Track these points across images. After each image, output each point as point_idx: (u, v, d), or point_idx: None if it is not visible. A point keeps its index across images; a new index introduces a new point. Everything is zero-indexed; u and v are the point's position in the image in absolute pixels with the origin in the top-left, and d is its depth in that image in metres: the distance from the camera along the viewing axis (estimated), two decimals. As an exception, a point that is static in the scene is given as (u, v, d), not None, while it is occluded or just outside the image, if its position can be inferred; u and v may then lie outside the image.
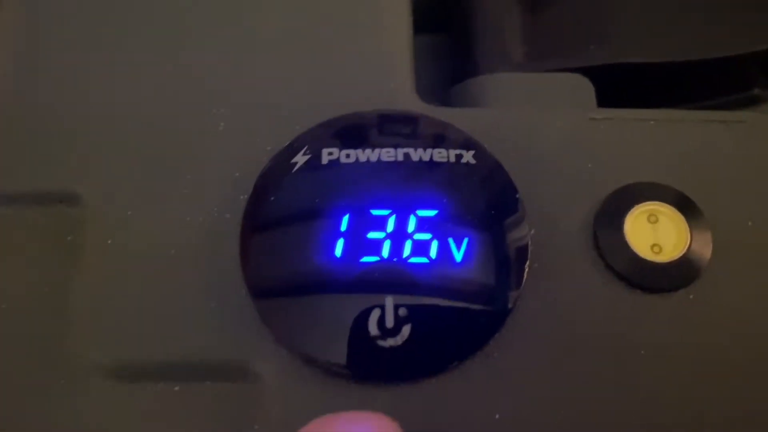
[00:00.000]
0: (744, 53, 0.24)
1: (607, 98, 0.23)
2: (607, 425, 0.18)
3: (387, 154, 0.20)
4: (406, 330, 0.18)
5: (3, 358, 0.19)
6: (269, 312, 0.19)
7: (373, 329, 0.18)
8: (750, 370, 0.19)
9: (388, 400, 0.18)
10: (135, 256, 0.20)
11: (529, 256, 0.19)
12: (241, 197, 0.20)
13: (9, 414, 0.19)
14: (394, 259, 0.19)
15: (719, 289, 0.19)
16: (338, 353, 0.18)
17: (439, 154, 0.20)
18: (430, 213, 0.19)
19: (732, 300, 0.19)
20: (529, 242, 0.19)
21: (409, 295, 0.18)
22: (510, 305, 0.19)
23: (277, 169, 0.20)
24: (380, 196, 0.19)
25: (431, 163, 0.20)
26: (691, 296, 0.19)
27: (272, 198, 0.20)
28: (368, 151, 0.20)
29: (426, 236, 0.19)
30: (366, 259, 0.19)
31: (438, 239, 0.19)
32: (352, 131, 0.21)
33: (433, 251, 0.19)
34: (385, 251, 0.19)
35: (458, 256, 0.19)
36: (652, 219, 0.20)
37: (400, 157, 0.20)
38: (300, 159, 0.20)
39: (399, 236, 0.19)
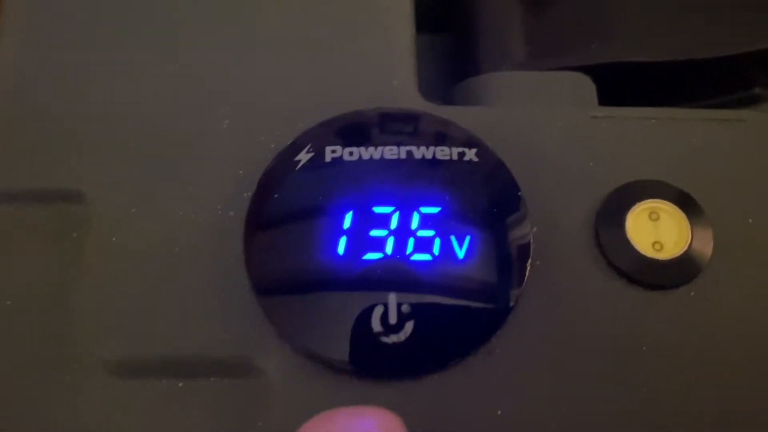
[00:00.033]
0: (745, 52, 0.24)
1: (608, 97, 0.23)
2: (608, 421, 0.18)
3: (390, 152, 0.20)
4: (409, 326, 0.18)
5: (7, 355, 0.19)
6: (273, 308, 0.19)
7: (376, 325, 0.18)
8: (751, 367, 0.19)
9: (391, 396, 0.18)
10: (139, 254, 0.20)
11: (531, 253, 0.19)
12: (245, 195, 0.20)
13: (13, 411, 0.19)
14: (397, 256, 0.19)
15: (720, 286, 0.20)
16: (341, 349, 0.18)
17: (442, 152, 0.20)
18: (433, 210, 0.19)
19: (733, 297, 0.20)
20: (531, 240, 0.20)
21: (412, 292, 0.19)
22: (512, 302, 0.19)
23: (281, 167, 0.20)
24: (383, 194, 0.20)
25: (434, 161, 0.20)
26: (692, 293, 0.19)
27: (276, 196, 0.20)
28: (371, 148, 0.20)
29: (429, 233, 0.19)
30: (369, 256, 0.19)
31: (441, 236, 0.19)
32: (355, 129, 0.21)
33: (436, 248, 0.19)
34: (388, 248, 0.19)
35: (461, 253, 0.19)
36: (654, 216, 0.20)
37: (403, 155, 0.20)
38: (303, 157, 0.20)
39: (402, 233, 0.19)
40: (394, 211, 0.19)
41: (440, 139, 0.21)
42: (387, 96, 0.22)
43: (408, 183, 0.20)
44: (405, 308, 0.18)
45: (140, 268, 0.20)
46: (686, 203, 0.20)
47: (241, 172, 0.21)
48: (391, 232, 0.19)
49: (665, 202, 0.20)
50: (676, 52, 0.24)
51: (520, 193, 0.20)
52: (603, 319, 0.19)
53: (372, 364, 0.18)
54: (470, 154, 0.20)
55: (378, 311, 0.18)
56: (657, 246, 0.20)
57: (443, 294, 0.19)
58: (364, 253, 0.19)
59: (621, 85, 0.23)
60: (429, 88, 0.23)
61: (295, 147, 0.21)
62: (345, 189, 0.20)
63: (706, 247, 0.20)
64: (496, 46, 0.25)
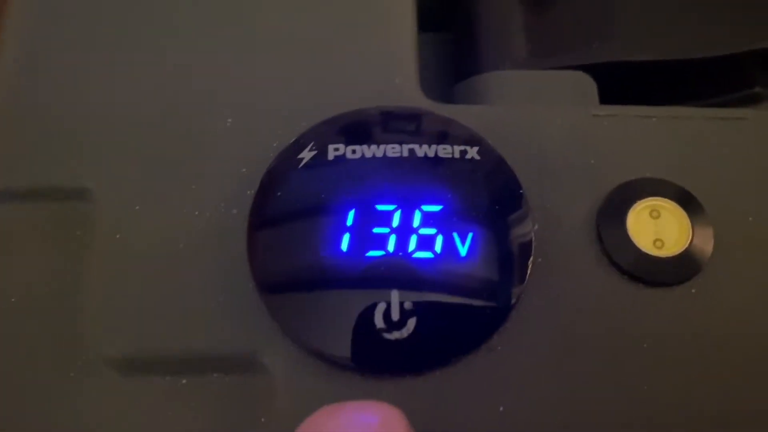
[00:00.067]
0: (746, 51, 0.24)
1: (609, 95, 0.23)
2: (609, 417, 0.18)
3: (392, 150, 0.20)
4: (412, 323, 0.18)
5: (12, 351, 0.19)
6: (276, 305, 0.19)
7: (378, 322, 0.18)
8: (751, 364, 0.19)
9: (393, 393, 0.18)
10: (142, 251, 0.20)
11: (532, 251, 0.19)
12: (248, 193, 0.20)
13: (18, 407, 0.19)
14: (400, 254, 0.19)
15: (720, 283, 0.20)
16: (344, 346, 0.18)
17: (444, 150, 0.20)
18: (435, 208, 0.20)
19: (733, 294, 0.20)
20: (533, 237, 0.20)
21: (414, 289, 0.19)
22: (514, 299, 0.19)
23: (284, 165, 0.20)
24: (386, 192, 0.20)
25: (436, 159, 0.20)
26: (692, 290, 0.20)
27: (279, 193, 0.20)
28: (374, 146, 0.20)
29: (431, 231, 0.19)
30: (372, 253, 0.19)
31: (443, 234, 0.19)
32: (357, 127, 0.21)
33: (438, 246, 0.19)
34: (391, 246, 0.19)
35: (463, 250, 0.19)
36: (655, 214, 0.20)
37: (406, 153, 0.20)
38: (306, 155, 0.20)
39: (404, 231, 0.19)
40: (396, 209, 0.19)
41: (442, 137, 0.21)
42: (389, 94, 0.22)
43: (410, 181, 0.20)
44: (407, 305, 0.19)
45: (144, 266, 0.20)
46: (687, 201, 0.20)
47: (244, 170, 0.21)
48: (394, 230, 0.19)
49: (666, 199, 0.20)
50: (676, 51, 0.24)
51: (521, 191, 0.20)
52: (604, 316, 0.19)
53: (374, 361, 0.18)
54: (472, 152, 0.20)
55: (381, 308, 0.18)
56: (658, 243, 0.20)
57: (445, 291, 0.19)
58: (367, 250, 0.19)
59: (622, 84, 0.23)
60: (431, 87, 0.23)
61: (298, 145, 0.21)
62: (347, 187, 0.20)
63: (706, 244, 0.20)
64: (498, 45, 0.26)
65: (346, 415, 0.14)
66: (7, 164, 0.21)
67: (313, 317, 0.19)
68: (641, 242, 0.20)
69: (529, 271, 0.19)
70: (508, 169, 0.20)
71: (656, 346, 0.19)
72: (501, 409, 0.18)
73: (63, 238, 0.20)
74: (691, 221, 0.20)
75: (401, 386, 0.18)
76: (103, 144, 0.22)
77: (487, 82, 0.24)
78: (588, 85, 0.23)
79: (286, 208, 0.20)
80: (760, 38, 0.24)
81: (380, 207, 0.20)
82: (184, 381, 0.19)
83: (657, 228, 0.20)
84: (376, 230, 0.19)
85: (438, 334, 0.18)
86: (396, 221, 0.19)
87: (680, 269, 0.20)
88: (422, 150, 0.20)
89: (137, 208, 0.21)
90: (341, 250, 0.19)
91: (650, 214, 0.20)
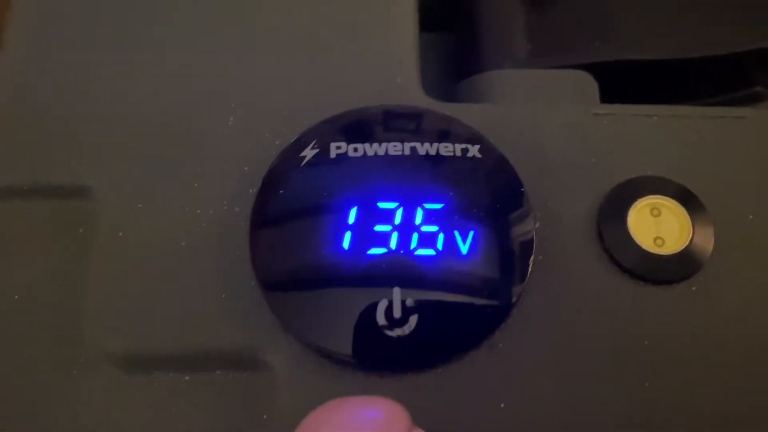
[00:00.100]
0: (746, 51, 0.24)
1: (610, 94, 0.23)
2: (609, 414, 0.19)
3: (394, 148, 0.20)
4: (413, 320, 0.18)
5: (15, 348, 0.19)
6: (278, 303, 0.19)
7: (380, 319, 0.18)
8: (751, 362, 0.19)
9: (395, 389, 0.18)
10: (146, 249, 0.20)
11: (533, 248, 0.19)
12: (251, 191, 0.20)
13: (21, 404, 0.19)
14: (401, 251, 0.19)
15: (721, 281, 0.20)
16: (346, 343, 0.18)
17: (446, 149, 0.20)
18: (437, 206, 0.20)
19: (733, 292, 0.20)
20: (534, 235, 0.20)
21: (416, 287, 0.19)
22: (515, 297, 0.19)
23: (286, 163, 0.21)
24: (387, 190, 0.20)
25: (438, 157, 0.20)
26: (693, 288, 0.20)
27: (281, 191, 0.20)
28: (375, 145, 0.20)
29: (432, 229, 0.19)
30: (373, 250, 0.19)
31: (444, 232, 0.19)
32: (359, 126, 0.21)
33: (440, 243, 0.19)
34: (393, 243, 0.19)
35: (464, 248, 0.19)
36: (655, 212, 0.20)
37: (407, 151, 0.20)
38: (308, 153, 0.20)
39: (406, 229, 0.19)
40: (398, 207, 0.20)
41: (444, 135, 0.21)
42: (391, 93, 0.22)
43: (412, 179, 0.20)
44: (409, 302, 0.19)
45: (146, 264, 0.20)
46: (687, 199, 0.20)
47: (246, 168, 0.21)
48: (395, 228, 0.19)
49: (667, 198, 0.20)
50: (677, 50, 0.24)
51: (522, 189, 0.20)
52: (605, 314, 0.19)
53: (376, 358, 0.18)
54: (473, 150, 0.21)
55: (382, 305, 0.19)
56: (658, 241, 0.20)
57: (447, 289, 0.19)
58: (369, 248, 0.19)
59: (623, 83, 0.23)
60: (432, 86, 0.23)
61: (300, 143, 0.21)
62: (349, 185, 0.20)
63: (707, 242, 0.20)
64: (499, 44, 0.26)
65: (350, 410, 0.14)
66: (9, 162, 0.21)
67: (315, 314, 0.19)
68: (642, 240, 0.20)
69: (530, 269, 0.19)
70: (509, 168, 0.21)
71: (657, 343, 0.19)
72: (502, 405, 0.18)
73: (65, 237, 0.21)
74: (692, 219, 0.20)
75: (403, 383, 0.19)
76: (104, 142, 0.22)
77: (488, 81, 0.24)
78: (589, 84, 0.23)
79: (288, 206, 0.20)
80: (760, 38, 0.24)
81: (382, 205, 0.20)
82: (186, 378, 0.19)
83: (657, 226, 0.20)
84: (378, 228, 0.19)
85: (439, 332, 0.19)
86: (398, 219, 0.19)
87: (681, 267, 0.20)
88: (424, 148, 0.20)
89: (139, 206, 0.21)
90: (343, 248, 0.19)
91: (651, 212, 0.20)
